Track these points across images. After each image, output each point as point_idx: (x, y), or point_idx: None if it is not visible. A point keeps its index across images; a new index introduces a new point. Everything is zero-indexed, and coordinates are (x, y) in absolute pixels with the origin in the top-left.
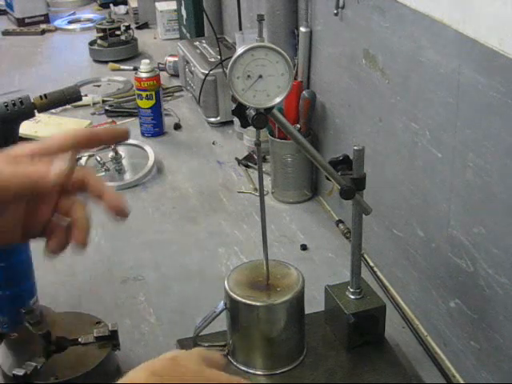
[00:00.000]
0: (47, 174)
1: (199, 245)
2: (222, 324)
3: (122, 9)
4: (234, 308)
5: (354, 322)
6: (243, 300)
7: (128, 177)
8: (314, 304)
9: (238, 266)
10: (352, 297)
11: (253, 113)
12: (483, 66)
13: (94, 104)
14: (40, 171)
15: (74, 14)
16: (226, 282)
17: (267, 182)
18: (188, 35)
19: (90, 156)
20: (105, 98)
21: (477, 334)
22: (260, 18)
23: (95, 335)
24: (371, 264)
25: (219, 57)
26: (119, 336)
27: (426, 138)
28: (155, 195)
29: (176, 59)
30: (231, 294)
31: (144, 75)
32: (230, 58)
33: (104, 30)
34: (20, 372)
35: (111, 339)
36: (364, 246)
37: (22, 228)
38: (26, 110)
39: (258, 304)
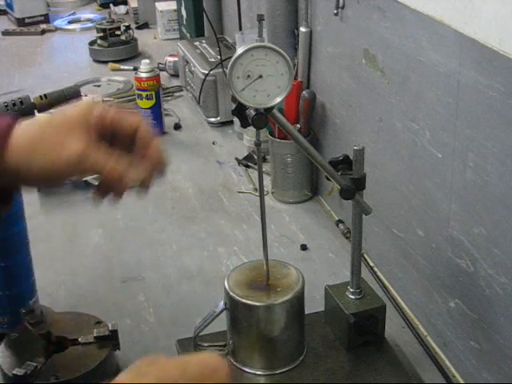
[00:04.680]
0: (122, 178)
1: (199, 245)
2: (222, 324)
3: (121, 9)
4: (234, 308)
5: (354, 322)
6: (243, 300)
7: None
8: (314, 304)
9: (238, 266)
10: (352, 297)
11: (253, 113)
12: (483, 66)
13: None
14: (116, 172)
15: (74, 14)
16: (226, 282)
17: (267, 182)
18: (188, 35)
19: None
20: (105, 98)
21: (477, 334)
22: (260, 18)
23: (95, 335)
24: (371, 264)
25: (219, 57)
26: (119, 336)
27: (425, 138)
28: (155, 195)
29: (176, 59)
30: (231, 294)
31: (144, 75)
32: (230, 57)
33: (104, 30)
34: (20, 372)
35: (111, 339)
36: (364, 246)
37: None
38: (26, 110)
39: (258, 304)
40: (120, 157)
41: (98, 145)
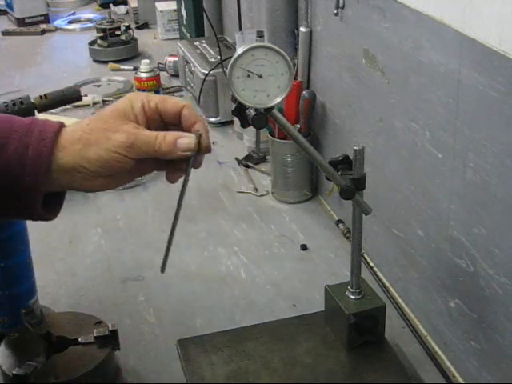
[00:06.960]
0: (173, 148)
1: (199, 245)
2: (222, 325)
3: (121, 9)
4: None
5: (354, 322)
6: None
7: None
8: (314, 304)
9: None
10: (352, 297)
11: (253, 113)
12: (483, 65)
13: (94, 104)
14: (166, 143)
15: (74, 14)
16: None
17: (267, 182)
18: (188, 35)
19: None
20: (105, 98)
21: (477, 334)
22: (259, 35)
23: (95, 335)
24: (371, 264)
25: (219, 57)
26: (119, 336)
27: (425, 138)
28: (155, 195)
29: (176, 59)
30: None
31: (144, 75)
32: (230, 57)
33: (104, 30)
34: (20, 372)
35: (111, 339)
36: (364, 246)
37: (132, 175)
38: (26, 110)
39: None
40: (168, 130)
41: (147, 127)
